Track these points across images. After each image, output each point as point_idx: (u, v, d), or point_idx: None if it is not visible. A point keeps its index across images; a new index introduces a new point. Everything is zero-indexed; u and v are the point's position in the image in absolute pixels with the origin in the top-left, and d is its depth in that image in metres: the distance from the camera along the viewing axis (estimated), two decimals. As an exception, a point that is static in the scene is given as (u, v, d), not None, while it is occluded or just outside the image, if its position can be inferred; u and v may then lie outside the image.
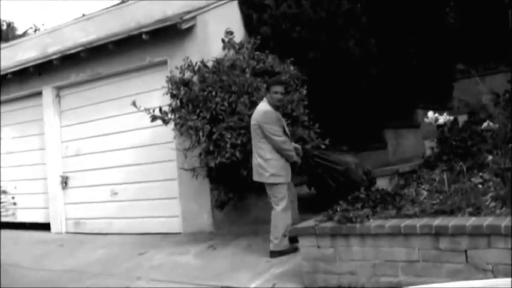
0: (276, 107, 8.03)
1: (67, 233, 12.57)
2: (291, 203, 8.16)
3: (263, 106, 8.04)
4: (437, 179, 7.21)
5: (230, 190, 9.21)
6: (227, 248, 8.71)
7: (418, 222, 5.89)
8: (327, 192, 8.39)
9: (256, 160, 8.07)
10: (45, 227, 13.01)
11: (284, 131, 8.08)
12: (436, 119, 8.43)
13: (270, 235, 8.03)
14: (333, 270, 6.38)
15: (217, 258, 8.35)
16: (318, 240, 6.47)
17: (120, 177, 11.55)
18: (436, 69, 12.31)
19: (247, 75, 8.98)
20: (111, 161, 11.68)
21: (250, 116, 8.55)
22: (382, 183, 8.22)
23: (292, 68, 9.19)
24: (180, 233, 10.28)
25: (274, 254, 7.94)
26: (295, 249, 7.64)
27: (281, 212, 7.95)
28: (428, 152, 8.66)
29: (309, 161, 8.44)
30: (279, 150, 7.95)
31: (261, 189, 8.93)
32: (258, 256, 8.06)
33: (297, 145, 8.34)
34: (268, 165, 7.95)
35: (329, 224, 6.45)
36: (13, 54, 14.16)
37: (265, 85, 8.37)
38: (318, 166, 8.42)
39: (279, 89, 8.06)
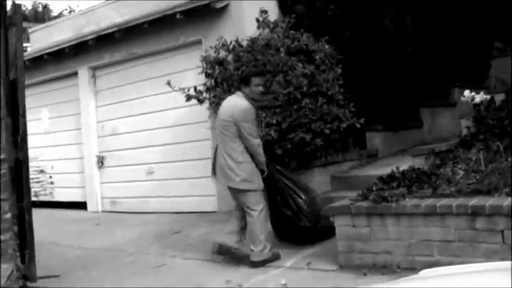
0: (254, 102, 7.29)
1: (103, 211, 12.70)
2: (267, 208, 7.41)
3: (241, 101, 7.23)
4: (473, 159, 7.13)
5: (265, 169, 9.21)
6: (262, 227, 8.73)
7: (454, 202, 5.85)
8: (278, 219, 7.65)
9: (224, 161, 7.24)
10: (81, 206, 13.16)
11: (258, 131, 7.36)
12: (473, 98, 8.33)
13: (251, 243, 7.27)
14: (368, 250, 6.37)
15: (252, 237, 8.39)
16: (353, 219, 6.46)
17: (156, 157, 11.62)
18: (472, 48, 12.16)
19: (282, 54, 8.95)
20: (147, 140, 11.75)
21: (285, 95, 8.52)
22: (417, 163, 8.13)
23: (327, 46, 9.14)
24: (215, 212, 10.32)
25: (255, 264, 7.16)
26: (277, 257, 7.27)
27: (257, 218, 7.17)
28: (464, 131, 8.55)
29: (270, 175, 7.50)
30: (253, 153, 7.18)
31: (296, 168, 8.94)
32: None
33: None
34: (239, 168, 7.15)
35: (364, 203, 6.43)
36: (49, 35, 14.27)
37: (243, 76, 7.61)
38: (278, 182, 7.55)
39: (260, 81, 7.36)
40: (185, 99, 9.44)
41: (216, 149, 7.52)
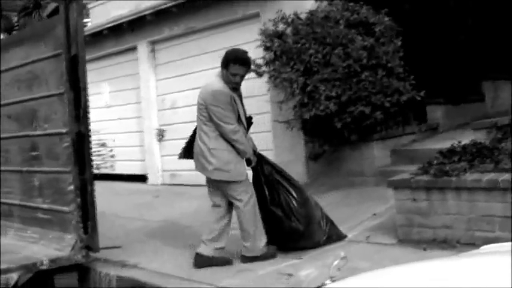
0: (233, 88, 6.64)
1: (163, 184, 12.86)
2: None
3: (215, 83, 6.60)
4: (537, 132, 7.00)
5: (324, 142, 9.18)
6: (321, 199, 8.66)
7: (516, 177, 5.76)
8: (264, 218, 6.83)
9: (198, 147, 6.65)
10: (142, 178, 13.36)
11: (239, 117, 6.63)
12: (537, 70, 8.15)
13: (241, 237, 6.70)
14: (428, 224, 6.32)
15: (311, 210, 8.38)
16: (413, 193, 6.41)
17: (215, 130, 11.67)
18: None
19: (341, 27, 8.86)
20: (206, 113, 11.80)
21: (345, 68, 8.44)
22: (479, 136, 8.00)
23: (386, 18, 9.01)
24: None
25: (246, 259, 6.64)
26: (272, 255, 6.64)
27: (244, 209, 6.55)
28: (528, 105, 8.40)
29: (258, 167, 6.89)
30: (229, 140, 6.49)
31: (355, 142, 8.90)
32: (352, 208, 8.04)
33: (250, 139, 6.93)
34: (211, 155, 6.51)
35: (425, 177, 6.37)
36: (107, 10, 14.42)
37: (223, 58, 6.67)
38: (268, 176, 6.84)
39: (240, 70, 6.57)
40: (244, 72, 9.45)
41: (192, 133, 6.92)
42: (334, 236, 6.94)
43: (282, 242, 6.84)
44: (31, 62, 7.73)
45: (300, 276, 5.94)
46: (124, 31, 13.34)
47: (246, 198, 6.54)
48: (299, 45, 8.83)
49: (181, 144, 12.26)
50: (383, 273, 2.69)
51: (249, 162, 6.73)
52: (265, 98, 10.17)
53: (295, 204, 6.75)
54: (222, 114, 6.42)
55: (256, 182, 6.87)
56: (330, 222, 6.97)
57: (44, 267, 6.68)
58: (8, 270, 6.46)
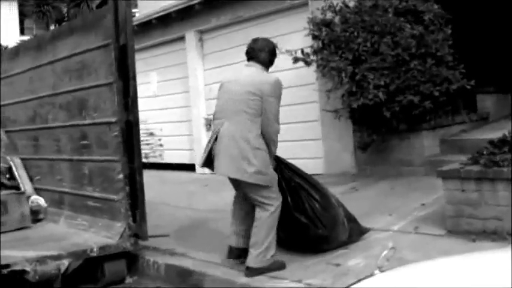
0: None
1: (211, 173, 12.87)
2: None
3: (266, 74, 6.11)
4: None
5: (373, 131, 9.11)
6: (369, 189, 8.67)
7: None
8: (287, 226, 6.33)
9: (236, 148, 5.82)
10: (190, 167, 13.43)
11: None
12: None
13: (250, 244, 6.03)
14: (478, 215, 6.23)
15: (359, 199, 8.31)
16: (463, 183, 6.32)
17: (262, 119, 11.67)
18: None
19: (390, 15, 8.79)
20: (253, 103, 11.81)
21: (393, 56, 8.36)
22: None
23: (435, 6, 8.91)
24: (322, 174, 10.29)
25: (251, 271, 5.94)
26: (280, 266, 6.05)
27: (270, 215, 5.90)
28: None
29: (279, 172, 6.25)
30: (268, 140, 5.91)
31: (404, 131, 8.83)
32: (401, 198, 7.99)
33: None
34: (255, 156, 5.76)
35: (474, 168, 6.27)
36: (155, 1, 14.52)
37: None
38: (290, 181, 6.29)
39: None
40: (292, 61, 9.43)
41: (217, 132, 6.10)
42: (356, 232, 6.62)
43: (305, 247, 6.48)
44: (81, 52, 7.82)
45: (348, 266, 5.93)
46: (172, 21, 13.42)
47: (276, 205, 5.96)
48: (347, 33, 8.79)
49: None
50: (431, 265, 2.67)
51: None
52: (314, 87, 10.14)
53: (319, 208, 6.30)
54: (277, 110, 5.91)
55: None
56: (353, 220, 6.65)
57: (94, 255, 6.77)
58: (59, 257, 6.57)
